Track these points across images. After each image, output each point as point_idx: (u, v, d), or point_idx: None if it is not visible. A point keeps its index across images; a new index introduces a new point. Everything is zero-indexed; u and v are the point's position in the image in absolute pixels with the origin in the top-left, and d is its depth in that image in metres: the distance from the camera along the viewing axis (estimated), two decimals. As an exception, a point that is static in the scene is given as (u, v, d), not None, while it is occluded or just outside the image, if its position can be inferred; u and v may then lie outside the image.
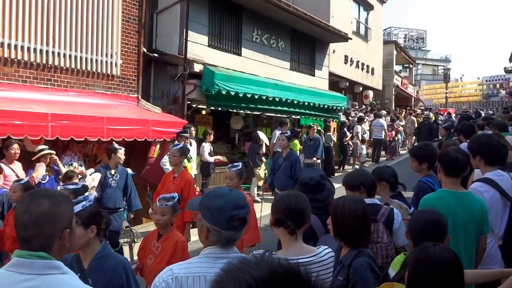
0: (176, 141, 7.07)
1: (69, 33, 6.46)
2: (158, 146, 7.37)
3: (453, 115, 20.00)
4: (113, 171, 5.32)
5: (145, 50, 7.73)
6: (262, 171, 9.13)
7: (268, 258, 0.85)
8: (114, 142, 5.55)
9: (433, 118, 20.68)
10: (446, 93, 34.14)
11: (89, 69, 6.73)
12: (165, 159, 6.83)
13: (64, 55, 6.40)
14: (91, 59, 6.75)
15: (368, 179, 2.73)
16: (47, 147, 5.37)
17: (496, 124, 5.60)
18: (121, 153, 5.39)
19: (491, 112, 19.17)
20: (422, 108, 25.49)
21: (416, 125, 16.46)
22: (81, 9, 6.62)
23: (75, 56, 6.54)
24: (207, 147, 8.19)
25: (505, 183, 2.87)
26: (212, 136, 8.35)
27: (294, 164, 5.88)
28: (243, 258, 0.86)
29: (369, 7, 17.36)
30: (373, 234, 2.51)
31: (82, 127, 5.73)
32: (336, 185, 11.34)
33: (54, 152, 5.42)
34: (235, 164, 4.04)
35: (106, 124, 5.99)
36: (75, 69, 6.57)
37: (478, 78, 46.02)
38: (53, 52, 6.26)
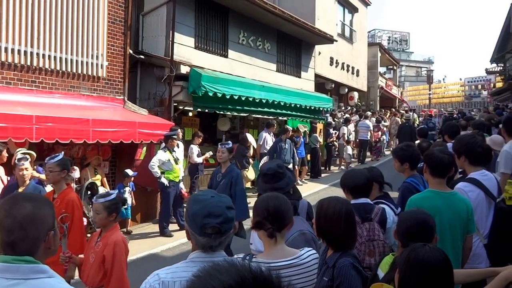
0: (163, 143, 7.05)
1: (54, 35, 6.37)
2: (144, 148, 7.31)
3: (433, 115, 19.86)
4: None
5: (131, 51, 7.66)
6: (250, 172, 9.12)
7: (241, 263, 0.84)
8: None
9: (416, 120, 20.86)
10: (430, 94, 34.82)
11: (74, 70, 6.64)
12: (153, 162, 6.79)
13: (49, 56, 6.31)
14: (77, 61, 6.67)
15: (362, 179, 2.74)
16: (22, 149, 5.22)
17: (475, 124, 5.71)
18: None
19: (473, 112, 19.38)
20: (407, 109, 25.88)
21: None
22: (66, 10, 6.52)
23: (60, 58, 6.45)
24: (195, 149, 8.16)
25: (489, 183, 2.94)
26: (201, 138, 8.31)
27: (234, 182, 4.76)
28: (216, 263, 0.86)
29: (353, 10, 17.57)
30: (370, 232, 2.55)
31: (67, 129, 5.65)
32: (322, 186, 11.26)
33: (33, 152, 5.25)
34: (110, 192, 3.00)
35: (92, 126, 5.92)
36: (60, 71, 6.47)
37: (460, 79, 47.07)
38: (37, 54, 6.15)
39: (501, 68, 27.48)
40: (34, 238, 1.38)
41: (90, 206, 6.47)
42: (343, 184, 2.77)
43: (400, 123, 17.04)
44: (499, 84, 31.07)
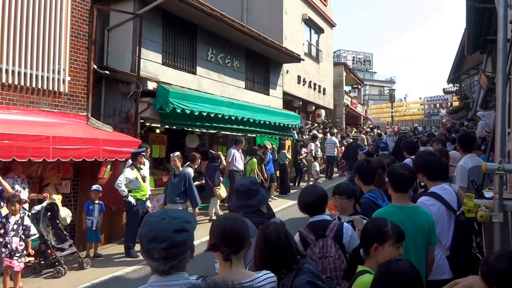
0: (130, 161, 6.85)
1: (12, 48, 6.13)
2: (109, 166, 7.08)
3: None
4: None
5: (95, 66, 7.49)
6: (222, 190, 8.98)
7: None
8: None
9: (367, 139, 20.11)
10: (392, 112, 36.17)
11: (34, 85, 6.40)
12: (120, 180, 6.57)
13: (7, 70, 6.05)
14: (37, 75, 6.43)
15: (310, 198, 2.73)
16: None
17: (438, 139, 6.09)
18: None
19: (428, 130, 20.04)
20: (371, 126, 26.69)
21: (365, 142, 17.11)
22: (26, 23, 6.31)
23: (19, 72, 6.20)
24: (191, 173, 7.64)
25: (449, 196, 3.05)
26: (199, 160, 8.05)
27: None
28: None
29: (319, 30, 18.12)
30: (323, 249, 2.55)
31: (25, 147, 5.40)
32: (291, 202, 11.25)
33: None
34: None
35: (52, 144, 5.69)
36: (19, 86, 6.22)
37: (420, 98, 49.17)
38: (-6, 68, 5.89)
39: (457, 88, 29.05)
40: None
41: (49, 228, 6.16)
42: (298, 204, 2.81)
43: (365, 140, 17.51)
44: (456, 103, 32.75)
